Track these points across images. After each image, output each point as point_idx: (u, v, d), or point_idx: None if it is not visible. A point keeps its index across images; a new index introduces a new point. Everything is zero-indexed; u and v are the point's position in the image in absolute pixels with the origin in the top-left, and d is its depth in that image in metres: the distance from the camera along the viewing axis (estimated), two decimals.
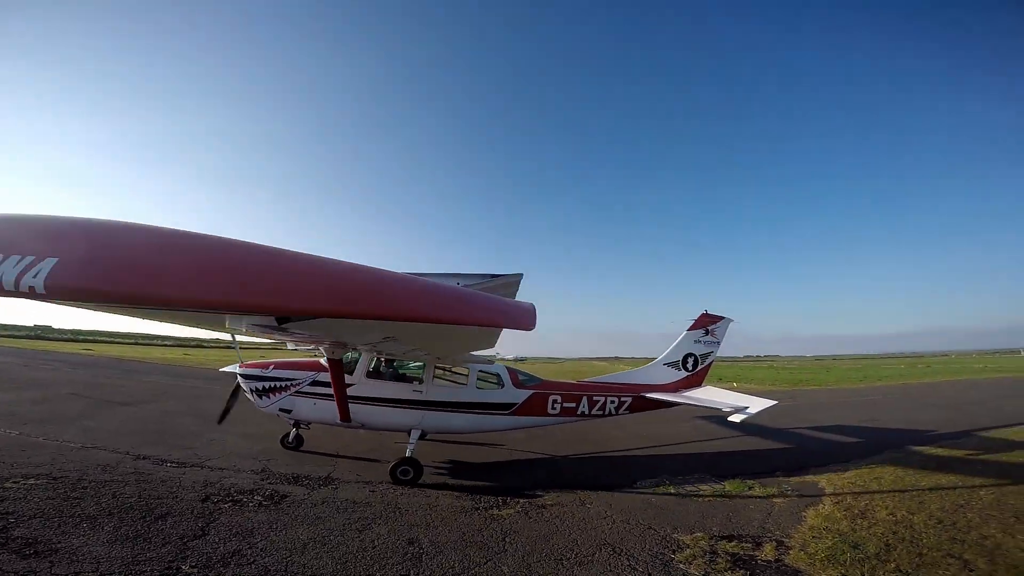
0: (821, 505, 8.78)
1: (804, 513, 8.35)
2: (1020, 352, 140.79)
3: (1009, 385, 37.89)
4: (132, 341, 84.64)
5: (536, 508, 8.53)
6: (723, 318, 14.79)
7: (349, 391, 10.39)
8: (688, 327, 14.55)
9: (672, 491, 9.85)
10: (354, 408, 10.42)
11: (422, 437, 13.25)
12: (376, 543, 6.62)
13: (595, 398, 12.27)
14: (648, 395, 12.79)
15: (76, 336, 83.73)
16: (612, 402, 12.46)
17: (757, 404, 10.66)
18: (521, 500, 8.97)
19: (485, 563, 6.20)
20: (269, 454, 11.28)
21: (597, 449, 14.27)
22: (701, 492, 9.78)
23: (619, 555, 6.64)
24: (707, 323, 14.62)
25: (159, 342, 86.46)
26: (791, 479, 10.80)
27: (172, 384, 24.12)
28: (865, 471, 11.23)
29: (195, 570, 5.53)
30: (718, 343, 14.88)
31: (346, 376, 10.51)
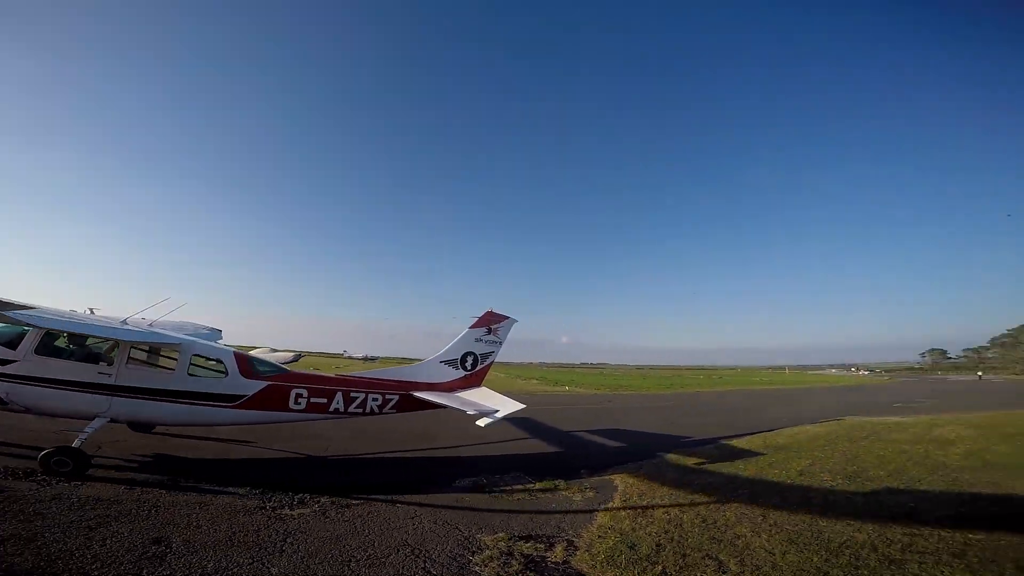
0: (612, 503, 9.39)
1: (596, 512, 8.82)
2: (785, 369, 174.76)
3: (773, 396, 46.60)
4: None
5: (339, 508, 7.91)
6: (507, 317, 14.26)
7: (10, 368, 8.93)
8: (470, 324, 13.83)
9: (486, 490, 9.91)
10: (14, 388, 8.88)
11: (146, 430, 12.09)
12: (107, 542, 5.49)
13: (353, 395, 11.25)
14: (418, 394, 11.96)
15: None
16: (375, 399, 11.49)
17: (508, 407, 10.83)
18: (323, 499, 8.24)
19: (250, 564, 5.47)
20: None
21: (427, 446, 14.07)
22: (513, 491, 9.96)
23: (417, 556, 6.36)
24: (491, 322, 14.00)
25: None
26: (592, 479, 11.46)
27: None
28: (654, 470, 12.32)
29: None
30: (500, 343, 14.34)
31: (8, 351, 9.00)
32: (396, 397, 11.79)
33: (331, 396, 11.03)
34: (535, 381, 57.00)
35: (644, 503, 9.41)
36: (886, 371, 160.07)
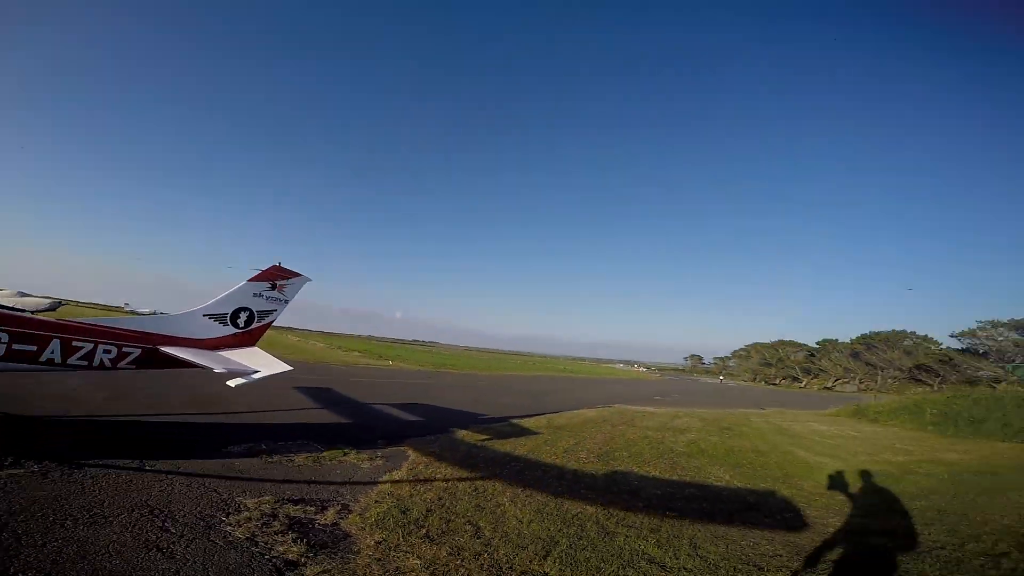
0: (398, 472, 9.71)
1: (381, 479, 9.07)
2: (584, 360, 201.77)
3: (568, 382, 52.97)
4: None
5: (66, 471, 6.81)
6: (298, 275, 12.35)
7: None
8: (250, 277, 11.82)
9: (264, 456, 9.43)
10: None
11: None
12: None
13: (76, 343, 8.89)
14: (166, 349, 9.96)
15: None
16: (107, 352, 9.25)
17: (273, 368, 9.98)
18: (47, 462, 7.00)
19: None
20: None
21: (204, 411, 12.88)
22: (294, 458, 9.63)
23: (155, 516, 5.84)
24: (277, 276, 12.03)
25: None
26: (388, 449, 11.63)
27: None
28: (447, 443, 12.97)
29: None
30: (286, 302, 12.50)
31: None
32: (137, 351, 9.66)
33: (44, 343, 8.59)
34: (357, 353, 55.01)
35: (428, 473, 9.91)
36: (659, 369, 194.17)
